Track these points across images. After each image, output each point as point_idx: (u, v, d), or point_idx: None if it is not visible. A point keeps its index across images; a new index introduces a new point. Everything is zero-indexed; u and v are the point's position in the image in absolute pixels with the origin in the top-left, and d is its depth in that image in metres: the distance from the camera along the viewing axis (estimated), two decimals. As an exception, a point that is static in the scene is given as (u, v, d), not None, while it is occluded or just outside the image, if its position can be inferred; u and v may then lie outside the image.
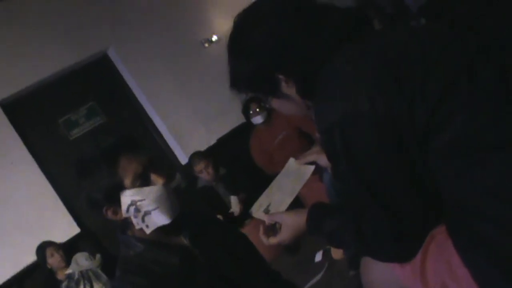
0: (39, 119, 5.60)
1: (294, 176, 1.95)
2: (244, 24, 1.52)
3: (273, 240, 1.76)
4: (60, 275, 4.85)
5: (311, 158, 1.93)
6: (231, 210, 5.24)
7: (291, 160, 2.01)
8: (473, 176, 1.20)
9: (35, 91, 5.56)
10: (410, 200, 1.29)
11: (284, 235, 1.74)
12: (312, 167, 1.93)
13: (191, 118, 6.21)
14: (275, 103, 1.60)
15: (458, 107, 1.20)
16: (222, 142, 6.24)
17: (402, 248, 1.37)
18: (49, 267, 4.86)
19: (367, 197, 1.32)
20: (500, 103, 1.21)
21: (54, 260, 4.82)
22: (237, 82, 1.57)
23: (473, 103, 1.21)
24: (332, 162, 1.37)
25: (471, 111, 1.20)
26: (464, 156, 1.21)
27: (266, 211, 1.88)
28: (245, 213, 4.93)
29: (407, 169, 1.27)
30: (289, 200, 1.88)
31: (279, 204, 1.89)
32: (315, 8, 1.48)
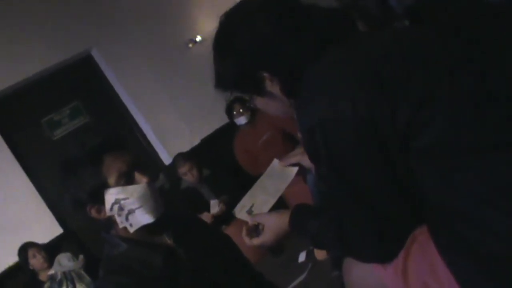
0: (21, 119, 5.56)
1: (278, 177, 1.95)
2: (230, 23, 1.52)
3: (256, 241, 1.77)
4: (43, 276, 4.83)
5: (294, 159, 1.93)
6: (211, 212, 5.22)
7: (275, 161, 2.00)
8: (454, 179, 1.21)
9: (18, 90, 5.53)
10: (391, 201, 1.30)
11: (267, 236, 1.74)
12: (295, 168, 1.93)
13: (174, 118, 6.20)
14: (259, 102, 1.60)
15: (439, 111, 1.21)
16: (206, 142, 6.23)
17: (384, 248, 1.38)
18: (31, 268, 4.83)
19: (349, 198, 1.33)
20: (480, 108, 1.22)
21: (36, 261, 4.79)
22: (222, 81, 1.57)
23: (454, 107, 1.21)
24: (314, 162, 1.38)
25: (452, 114, 1.20)
26: (445, 158, 1.21)
27: (250, 212, 1.88)
28: (228, 214, 4.92)
29: (389, 171, 1.27)
30: (272, 201, 1.88)
31: (262, 205, 1.89)
32: (301, 8, 1.48)
